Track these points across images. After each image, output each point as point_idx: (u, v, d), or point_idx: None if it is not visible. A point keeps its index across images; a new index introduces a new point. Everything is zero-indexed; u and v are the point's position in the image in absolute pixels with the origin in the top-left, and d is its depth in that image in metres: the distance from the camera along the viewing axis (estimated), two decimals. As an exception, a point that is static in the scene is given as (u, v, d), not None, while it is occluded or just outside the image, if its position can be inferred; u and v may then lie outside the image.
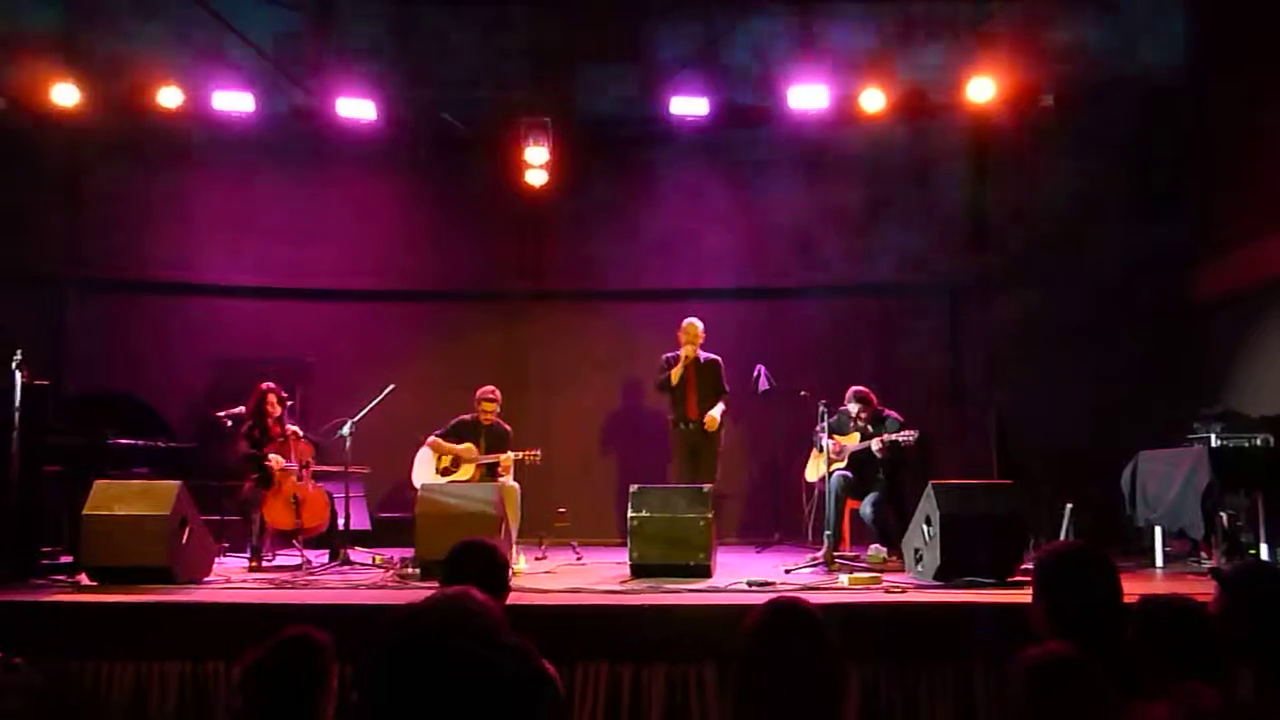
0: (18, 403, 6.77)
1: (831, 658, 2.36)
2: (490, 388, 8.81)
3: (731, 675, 2.41)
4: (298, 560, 7.64)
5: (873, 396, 8.35)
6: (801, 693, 2.31)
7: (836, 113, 9.89)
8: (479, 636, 1.23)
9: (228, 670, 5.25)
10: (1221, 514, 7.19)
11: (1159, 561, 7.63)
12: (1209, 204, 9.68)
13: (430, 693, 1.20)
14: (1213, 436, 7.55)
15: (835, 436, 8.19)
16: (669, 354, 8.99)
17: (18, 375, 6.79)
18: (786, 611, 2.45)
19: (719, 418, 8.81)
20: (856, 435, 8.31)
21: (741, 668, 2.39)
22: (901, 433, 7.94)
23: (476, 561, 3.36)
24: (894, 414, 8.28)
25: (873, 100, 9.71)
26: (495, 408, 8.76)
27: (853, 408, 8.31)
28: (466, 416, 8.76)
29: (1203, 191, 9.73)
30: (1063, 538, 7.49)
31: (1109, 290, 9.78)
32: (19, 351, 6.87)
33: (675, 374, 8.87)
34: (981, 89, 9.52)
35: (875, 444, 8.01)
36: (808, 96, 9.78)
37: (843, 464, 8.23)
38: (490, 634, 1.25)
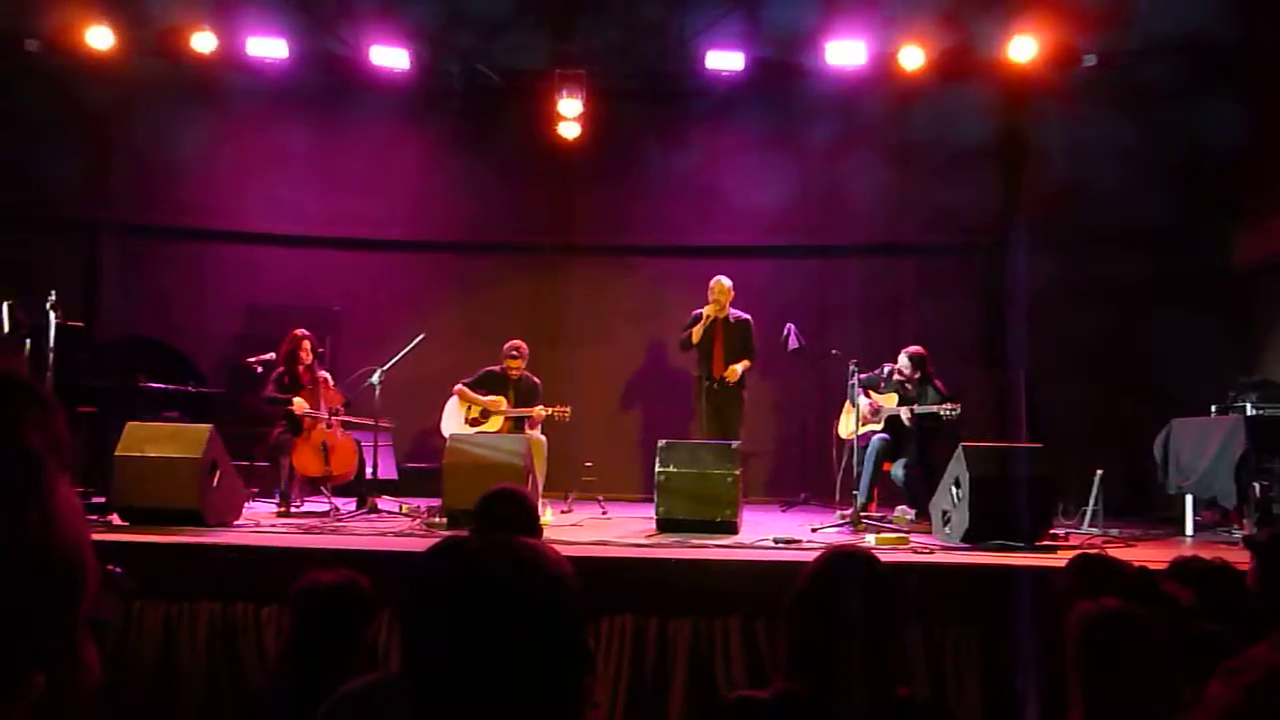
0: (52, 342, 6.81)
1: (889, 605, 2.44)
2: (516, 342, 8.77)
3: (788, 616, 2.44)
4: (326, 507, 7.70)
5: (928, 360, 8.25)
6: (856, 634, 2.34)
7: (874, 69, 9.74)
8: (525, 565, 1.22)
9: (256, 611, 5.31)
10: (1255, 484, 7.12)
11: (1189, 530, 7.57)
12: (1252, 168, 9.51)
13: (476, 618, 1.18)
14: (1248, 405, 7.48)
15: (872, 394, 8.14)
16: (698, 310, 8.94)
17: (52, 315, 6.83)
18: (847, 557, 2.52)
19: (740, 371, 8.76)
20: (894, 396, 8.25)
21: (798, 608, 2.43)
22: (944, 405, 7.85)
23: (507, 508, 3.36)
24: (939, 384, 8.19)
25: (911, 58, 9.55)
26: (521, 363, 8.73)
27: (905, 364, 8.21)
28: (495, 368, 8.76)
29: (1246, 155, 9.55)
30: (1092, 504, 7.44)
31: (1146, 254, 9.65)
32: (53, 292, 6.90)
33: (696, 333, 8.80)
34: (1022, 48, 9.36)
35: (904, 413, 7.94)
36: (845, 53, 9.65)
37: (879, 425, 8.17)
38: (537, 564, 1.23)
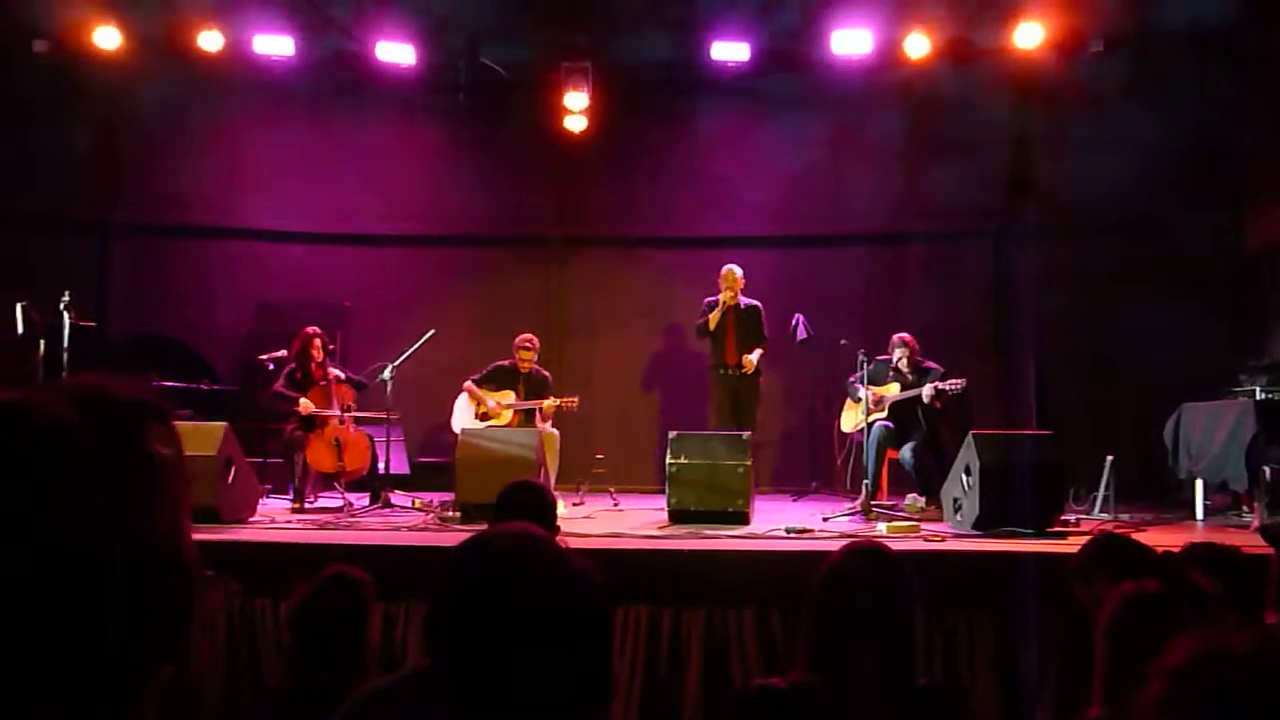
0: (66, 343, 6.86)
1: (907, 600, 2.44)
2: (528, 336, 8.82)
3: (807, 609, 2.47)
4: (339, 502, 7.74)
5: (915, 344, 8.29)
6: (875, 631, 2.37)
7: (880, 58, 9.72)
8: (554, 560, 1.25)
9: (274, 607, 5.35)
10: (1265, 468, 7.12)
11: (1199, 514, 7.57)
12: (1261, 151, 9.48)
13: (509, 616, 1.21)
14: (1259, 389, 7.48)
15: (872, 387, 8.16)
16: (710, 299, 8.96)
17: (66, 316, 6.88)
18: (866, 552, 2.55)
19: (756, 360, 8.80)
20: (895, 385, 8.26)
21: (817, 601, 2.47)
22: (949, 381, 7.86)
23: (526, 501, 3.40)
24: (934, 364, 8.22)
25: (917, 45, 9.53)
26: (533, 356, 8.78)
27: (898, 353, 8.24)
28: (505, 362, 8.79)
29: (1255, 138, 9.53)
30: (1103, 490, 7.46)
31: (1156, 238, 9.63)
32: (67, 293, 6.94)
33: (713, 319, 8.84)
34: (1029, 34, 9.34)
35: (927, 390, 7.88)
36: (851, 41, 9.63)
37: (883, 414, 8.19)
38: (564, 560, 1.26)
